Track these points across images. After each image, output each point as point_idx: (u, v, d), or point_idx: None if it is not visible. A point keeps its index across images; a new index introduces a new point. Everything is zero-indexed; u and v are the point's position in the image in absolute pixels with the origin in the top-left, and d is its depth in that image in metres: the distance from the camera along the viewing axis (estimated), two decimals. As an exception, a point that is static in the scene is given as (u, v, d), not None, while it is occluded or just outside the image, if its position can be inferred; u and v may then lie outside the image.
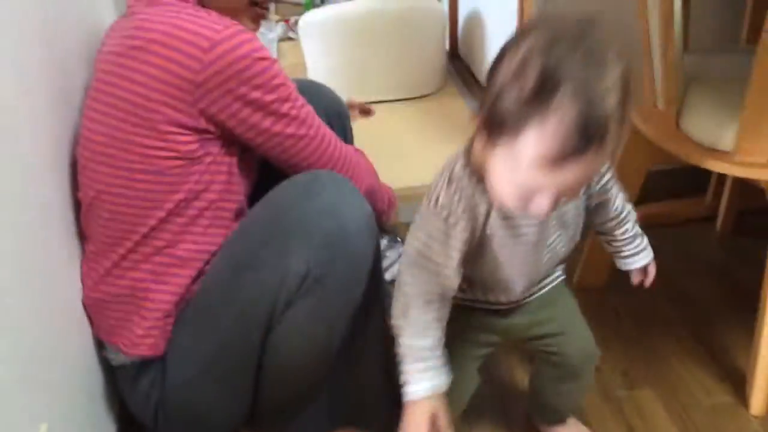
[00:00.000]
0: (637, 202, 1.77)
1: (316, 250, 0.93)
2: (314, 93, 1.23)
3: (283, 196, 0.99)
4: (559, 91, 0.70)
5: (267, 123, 0.99)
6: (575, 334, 1.09)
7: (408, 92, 2.56)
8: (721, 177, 1.73)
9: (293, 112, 1.01)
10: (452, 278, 0.90)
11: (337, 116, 1.33)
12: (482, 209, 0.87)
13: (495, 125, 0.75)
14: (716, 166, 1.15)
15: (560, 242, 0.96)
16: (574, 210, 0.94)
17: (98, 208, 1.01)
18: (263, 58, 0.96)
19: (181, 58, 0.92)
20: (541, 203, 0.77)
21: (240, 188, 1.08)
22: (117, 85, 0.96)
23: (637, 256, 1.10)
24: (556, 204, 0.78)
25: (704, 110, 1.18)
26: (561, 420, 1.18)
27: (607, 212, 1.02)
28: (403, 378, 0.92)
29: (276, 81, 0.98)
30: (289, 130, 1.01)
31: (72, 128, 1.09)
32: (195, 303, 1.04)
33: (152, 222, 0.99)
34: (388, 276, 1.59)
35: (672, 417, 1.23)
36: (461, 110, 2.43)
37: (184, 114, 0.95)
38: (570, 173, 0.74)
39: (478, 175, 0.85)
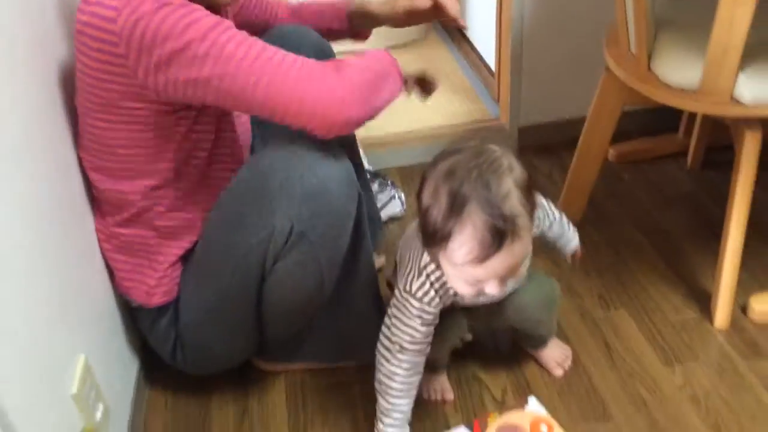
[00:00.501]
0: (613, 140, 1.89)
1: (298, 208, 1.01)
2: (297, 37, 1.28)
3: (266, 158, 1.06)
4: (466, 206, 0.89)
5: (193, 72, 0.95)
6: (534, 288, 1.22)
7: (392, 40, 2.62)
8: (692, 115, 1.84)
9: (213, 50, 0.94)
10: (435, 321, 1.11)
11: (322, 55, 1.27)
12: (451, 290, 1.06)
13: (429, 237, 0.94)
14: (684, 104, 1.25)
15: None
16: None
17: (95, 179, 1.10)
18: (162, 6, 0.94)
19: (105, 36, 0.95)
20: (491, 287, 0.96)
21: (232, 143, 1.15)
22: (77, 70, 1.02)
23: (571, 243, 1.28)
24: (504, 283, 0.96)
25: (673, 53, 1.28)
26: (544, 343, 1.32)
27: (548, 236, 1.25)
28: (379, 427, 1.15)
29: (183, 22, 0.93)
30: (218, 69, 0.95)
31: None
32: (195, 257, 1.15)
33: (146, 190, 1.08)
34: (383, 216, 1.70)
35: (644, 333, 1.37)
36: (445, 58, 2.51)
37: (134, 88, 0.98)
38: (499, 263, 0.91)
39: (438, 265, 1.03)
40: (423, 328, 1.09)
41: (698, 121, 1.79)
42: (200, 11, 0.96)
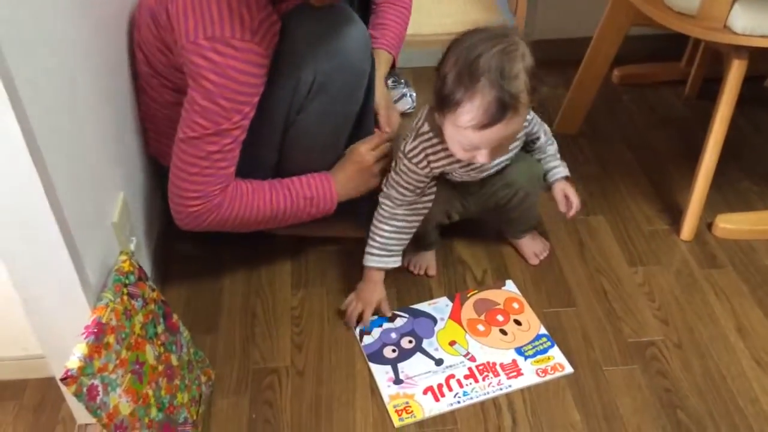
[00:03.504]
0: (619, 62, 1.99)
1: (321, 62, 1.16)
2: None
3: (294, 22, 1.17)
4: (480, 79, 1.04)
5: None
6: (522, 165, 1.35)
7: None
8: (695, 45, 1.92)
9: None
10: (426, 186, 1.30)
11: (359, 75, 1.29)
12: (440, 155, 1.22)
13: (442, 102, 1.10)
14: (681, 27, 1.35)
15: (505, 160, 1.32)
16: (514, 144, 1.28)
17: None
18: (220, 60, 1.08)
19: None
20: (481, 156, 1.13)
21: None
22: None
23: (557, 170, 1.38)
24: (492, 156, 1.13)
25: None
26: (525, 232, 1.46)
27: (535, 143, 1.37)
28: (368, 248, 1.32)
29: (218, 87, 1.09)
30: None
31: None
32: None
33: None
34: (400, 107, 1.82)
35: (617, 237, 1.52)
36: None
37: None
38: (495, 134, 1.08)
39: (436, 133, 1.20)
40: (409, 190, 1.27)
41: (700, 51, 1.87)
42: (242, 93, 1.11)
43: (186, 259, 1.46)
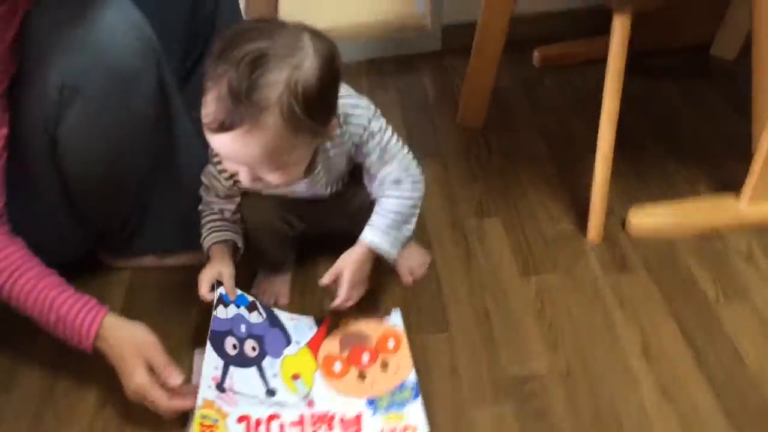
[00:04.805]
0: (540, 42, 1.76)
1: (68, 58, 0.93)
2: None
3: (44, 17, 0.95)
4: (228, 72, 0.82)
5: None
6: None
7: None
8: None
9: None
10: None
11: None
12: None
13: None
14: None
15: (329, 181, 1.08)
16: (339, 160, 1.05)
17: None
18: None
19: None
20: (242, 174, 0.92)
21: None
22: None
23: (368, 228, 1.06)
24: (254, 180, 0.92)
25: None
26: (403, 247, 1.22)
27: (370, 179, 1.08)
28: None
29: None
30: None
31: None
32: None
33: None
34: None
35: (511, 243, 1.27)
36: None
37: None
38: (232, 147, 0.86)
39: None
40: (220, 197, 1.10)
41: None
42: None
43: None
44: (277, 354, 1.08)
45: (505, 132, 1.56)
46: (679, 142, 1.48)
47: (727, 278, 1.17)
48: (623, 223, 1.28)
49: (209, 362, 1.01)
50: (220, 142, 0.87)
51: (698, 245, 1.23)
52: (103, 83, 0.96)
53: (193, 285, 1.24)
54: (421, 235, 1.28)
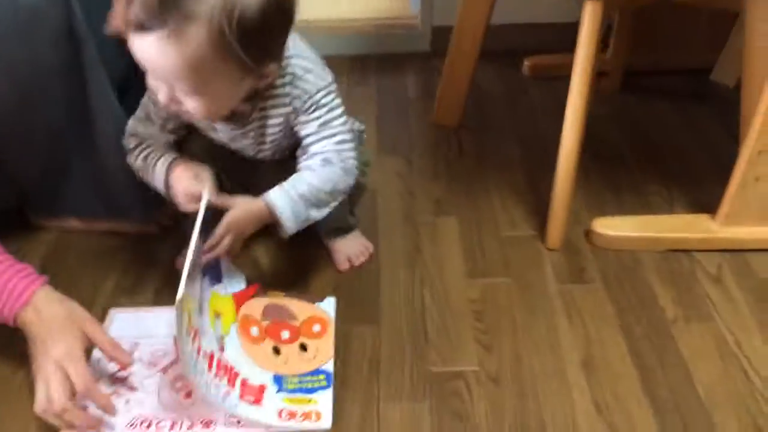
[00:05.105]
0: (532, 52, 1.70)
1: None
2: None
3: None
4: None
5: None
6: None
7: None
8: (620, 31, 1.61)
9: None
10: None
11: None
12: None
13: None
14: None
15: (260, 142, 1.01)
16: (276, 121, 0.98)
17: None
18: None
19: None
20: (161, 94, 0.86)
21: None
22: None
23: (280, 194, 0.95)
24: (170, 100, 0.86)
25: None
26: (339, 232, 1.15)
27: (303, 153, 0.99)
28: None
29: None
30: None
31: None
32: None
33: None
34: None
35: (464, 243, 1.18)
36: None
37: None
38: (141, 49, 0.81)
39: None
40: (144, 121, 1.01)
41: (614, 32, 1.57)
42: None
43: None
44: (210, 284, 1.00)
45: (479, 133, 1.48)
46: (665, 161, 1.39)
47: (690, 299, 1.07)
48: (587, 234, 1.19)
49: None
50: (139, 46, 0.80)
51: (664, 262, 1.13)
52: (2, 16, 0.90)
53: (117, 251, 1.18)
54: (370, 226, 1.20)
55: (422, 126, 1.52)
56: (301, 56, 0.95)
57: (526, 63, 1.69)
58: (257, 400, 0.90)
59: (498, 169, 1.36)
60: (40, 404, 0.83)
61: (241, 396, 0.90)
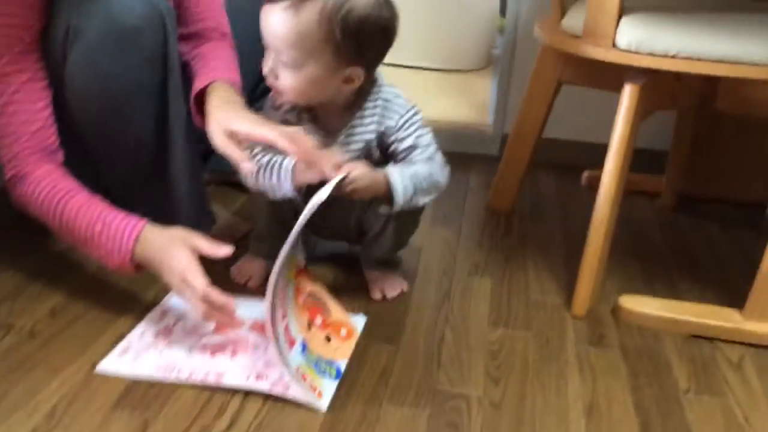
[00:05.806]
0: (594, 166, 1.78)
1: (77, 5, 1.05)
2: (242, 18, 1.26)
3: None
4: None
5: None
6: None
7: (444, 63, 2.65)
8: (675, 159, 1.70)
9: None
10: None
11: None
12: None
13: None
14: (570, 47, 1.19)
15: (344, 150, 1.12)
16: (360, 138, 1.12)
17: None
18: None
19: None
20: (266, 61, 1.06)
21: None
22: None
23: (397, 170, 1.09)
24: (272, 70, 1.05)
25: (575, 9, 1.26)
26: (379, 265, 1.24)
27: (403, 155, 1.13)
28: None
29: None
30: None
31: None
32: None
33: None
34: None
35: (493, 297, 1.25)
36: (484, 90, 2.40)
37: None
38: (268, 17, 1.02)
39: None
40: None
41: (669, 158, 1.66)
42: None
43: None
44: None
45: (529, 221, 1.57)
46: (703, 266, 1.42)
47: (706, 377, 1.07)
48: (613, 311, 1.22)
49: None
50: (267, 15, 1.02)
51: (686, 344, 1.15)
52: (101, 28, 1.05)
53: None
54: (408, 273, 1.29)
55: (476, 210, 1.63)
56: (390, 87, 1.14)
57: (585, 174, 1.79)
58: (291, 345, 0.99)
59: (538, 248, 1.44)
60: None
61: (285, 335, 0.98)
